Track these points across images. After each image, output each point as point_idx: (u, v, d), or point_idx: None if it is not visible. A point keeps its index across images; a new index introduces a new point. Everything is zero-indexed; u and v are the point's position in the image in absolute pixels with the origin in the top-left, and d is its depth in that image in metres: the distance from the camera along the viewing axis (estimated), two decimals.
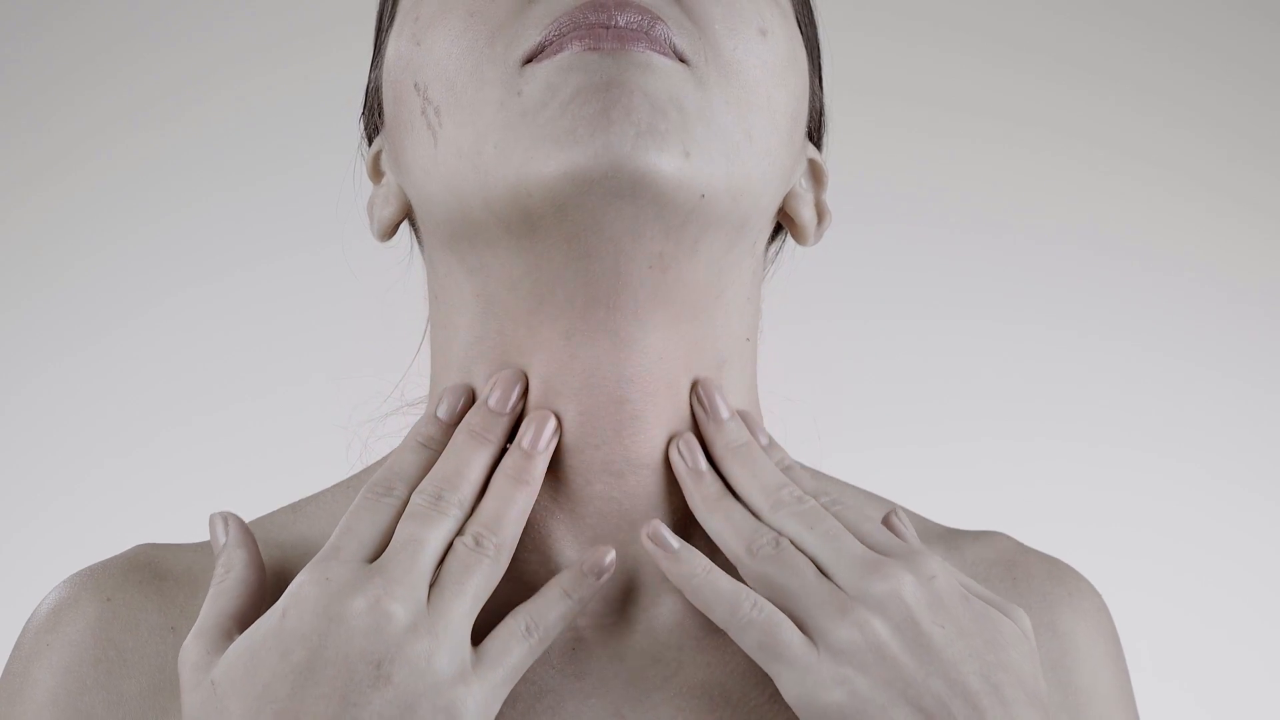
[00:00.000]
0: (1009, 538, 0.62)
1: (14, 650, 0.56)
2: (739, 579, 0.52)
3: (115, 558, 0.57)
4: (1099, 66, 1.42)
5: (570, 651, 0.53)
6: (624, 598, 0.54)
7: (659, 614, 0.54)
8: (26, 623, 0.56)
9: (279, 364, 1.26)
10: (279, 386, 1.25)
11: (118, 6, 1.38)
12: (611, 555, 0.51)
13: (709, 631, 0.54)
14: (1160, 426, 1.38)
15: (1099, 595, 0.61)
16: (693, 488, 0.53)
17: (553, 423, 0.52)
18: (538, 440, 0.51)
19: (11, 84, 1.36)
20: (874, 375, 1.31)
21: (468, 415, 0.53)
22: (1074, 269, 1.39)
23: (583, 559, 0.51)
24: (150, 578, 0.56)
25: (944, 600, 0.50)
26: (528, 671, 0.53)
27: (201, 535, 0.57)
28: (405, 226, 0.60)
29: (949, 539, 0.61)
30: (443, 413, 0.53)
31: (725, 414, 0.54)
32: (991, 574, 0.59)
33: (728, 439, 0.53)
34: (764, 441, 0.56)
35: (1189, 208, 1.41)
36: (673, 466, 0.53)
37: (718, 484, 0.53)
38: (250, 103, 1.35)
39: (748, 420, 0.55)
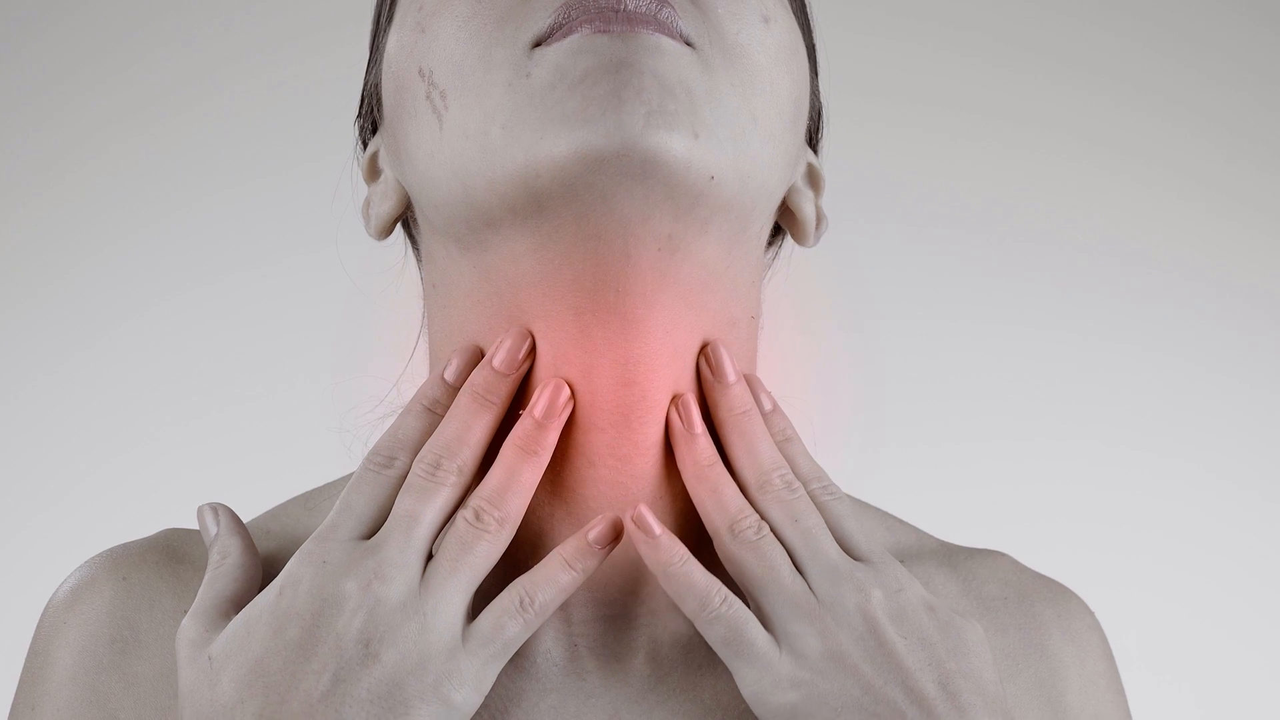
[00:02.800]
0: (1008, 558, 0.62)
1: (36, 630, 0.56)
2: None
3: (136, 540, 0.58)
4: (1099, 66, 1.41)
5: (573, 649, 0.54)
6: (628, 593, 0.54)
7: (660, 612, 0.54)
8: (48, 603, 0.56)
9: (276, 365, 1.26)
10: (276, 388, 1.25)
11: (117, 6, 1.38)
12: (617, 522, 0.51)
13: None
14: (1160, 426, 1.38)
15: (1091, 615, 0.61)
16: (685, 451, 0.52)
17: (566, 391, 0.51)
18: (551, 408, 0.50)
19: (11, 84, 1.36)
20: (872, 375, 1.31)
21: (471, 376, 0.52)
22: (1074, 269, 1.39)
23: (588, 528, 0.51)
24: (167, 560, 0.56)
25: (908, 612, 0.51)
26: (535, 671, 0.53)
27: None
28: (399, 232, 0.60)
29: (947, 555, 0.61)
30: (450, 374, 0.53)
31: (732, 377, 0.53)
32: (989, 594, 0.60)
33: (731, 404, 0.53)
34: (767, 407, 0.56)
35: (1189, 208, 1.41)
36: (669, 426, 0.52)
37: (712, 451, 0.53)
38: (248, 103, 1.35)
39: (753, 387, 0.55)
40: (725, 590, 0.51)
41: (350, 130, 0.61)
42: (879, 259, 1.31)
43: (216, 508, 0.55)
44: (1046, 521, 1.26)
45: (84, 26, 1.37)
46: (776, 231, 0.61)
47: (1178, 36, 1.42)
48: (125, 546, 0.57)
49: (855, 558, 0.52)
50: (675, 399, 0.52)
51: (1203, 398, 1.39)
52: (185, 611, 0.54)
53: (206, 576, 0.52)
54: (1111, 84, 1.41)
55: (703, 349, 0.53)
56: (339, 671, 0.47)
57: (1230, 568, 1.35)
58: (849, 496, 0.62)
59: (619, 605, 0.54)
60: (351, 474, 0.59)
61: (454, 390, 0.53)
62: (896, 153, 1.33)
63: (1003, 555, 0.62)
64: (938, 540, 0.63)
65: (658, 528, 0.51)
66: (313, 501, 0.59)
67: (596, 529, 0.51)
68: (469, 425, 0.51)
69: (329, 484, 0.60)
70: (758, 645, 0.50)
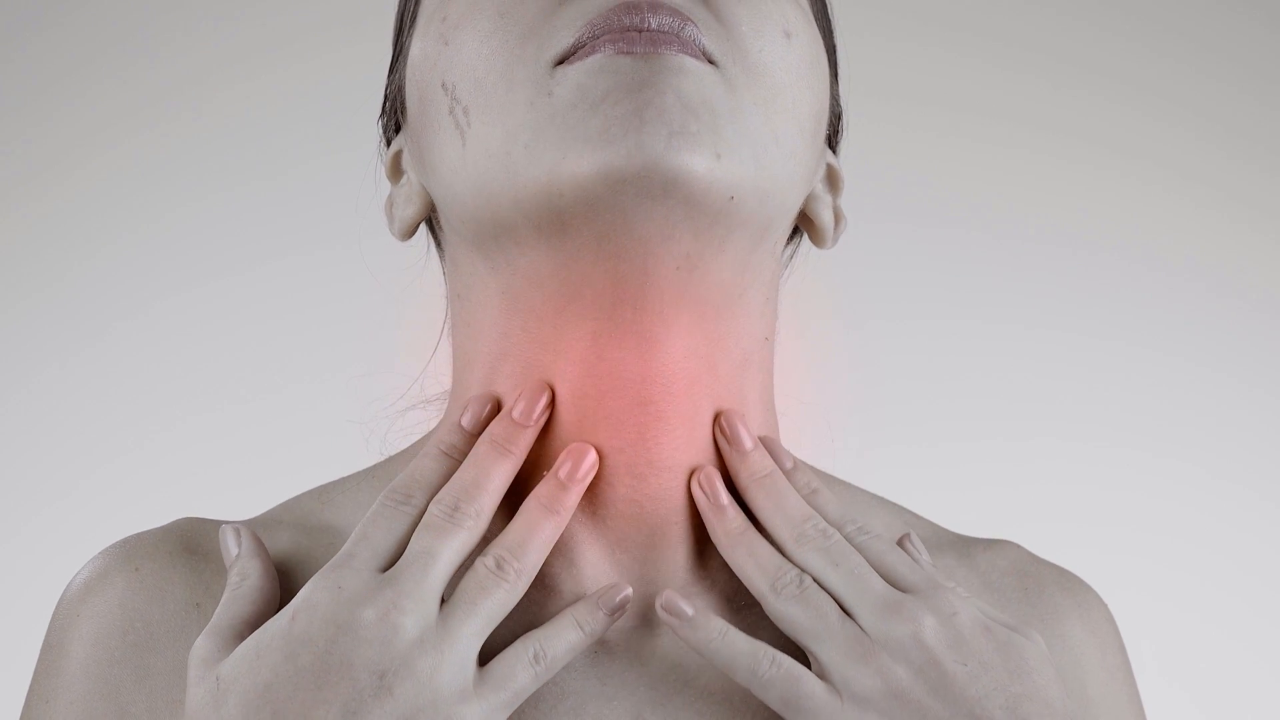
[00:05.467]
0: (1020, 547, 0.62)
1: (50, 622, 0.56)
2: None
3: (151, 530, 0.57)
4: (1098, 66, 1.42)
5: (593, 655, 0.54)
6: (647, 603, 0.54)
7: None
8: (62, 594, 0.56)
9: (296, 360, 1.26)
10: (296, 382, 1.25)
11: (118, 6, 1.37)
12: (627, 592, 0.52)
13: None
14: (1160, 426, 1.38)
15: (1106, 606, 0.62)
16: (715, 523, 0.53)
17: (591, 456, 0.52)
18: (575, 472, 0.51)
19: (11, 84, 1.36)
20: (876, 375, 1.31)
21: (491, 425, 0.53)
22: (1074, 269, 1.39)
23: (599, 592, 0.52)
24: (181, 550, 0.56)
25: (965, 637, 0.50)
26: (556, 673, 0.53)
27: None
28: (422, 227, 0.60)
29: (960, 546, 0.61)
30: (467, 421, 0.53)
31: (749, 445, 0.54)
32: (1003, 584, 0.60)
33: (752, 470, 0.54)
34: (788, 465, 0.56)
35: (1188, 207, 1.41)
36: (695, 501, 0.53)
37: (740, 518, 0.53)
38: (261, 99, 1.35)
39: (770, 447, 0.55)
40: (772, 651, 0.51)
41: (370, 127, 0.61)
42: (879, 259, 1.31)
43: (239, 529, 0.54)
44: (1044, 522, 1.25)
45: (83, 26, 1.37)
46: (795, 231, 0.61)
47: (1178, 36, 1.43)
48: (139, 536, 0.57)
49: (903, 590, 0.52)
50: (696, 472, 0.53)
51: (1203, 398, 1.39)
52: (196, 605, 0.54)
53: (225, 597, 0.52)
54: (1111, 84, 1.41)
55: (715, 420, 0.53)
56: (349, 702, 0.46)
57: (1230, 568, 1.36)
58: (867, 491, 0.62)
59: (642, 608, 0.54)
60: (365, 469, 0.59)
61: (470, 436, 0.53)
62: (895, 152, 1.33)
63: (1014, 545, 0.62)
64: (951, 532, 0.63)
65: (689, 609, 0.51)
66: (326, 495, 0.59)
67: (605, 595, 0.52)
68: (488, 472, 0.51)
69: (342, 479, 0.60)
70: (817, 697, 0.49)
